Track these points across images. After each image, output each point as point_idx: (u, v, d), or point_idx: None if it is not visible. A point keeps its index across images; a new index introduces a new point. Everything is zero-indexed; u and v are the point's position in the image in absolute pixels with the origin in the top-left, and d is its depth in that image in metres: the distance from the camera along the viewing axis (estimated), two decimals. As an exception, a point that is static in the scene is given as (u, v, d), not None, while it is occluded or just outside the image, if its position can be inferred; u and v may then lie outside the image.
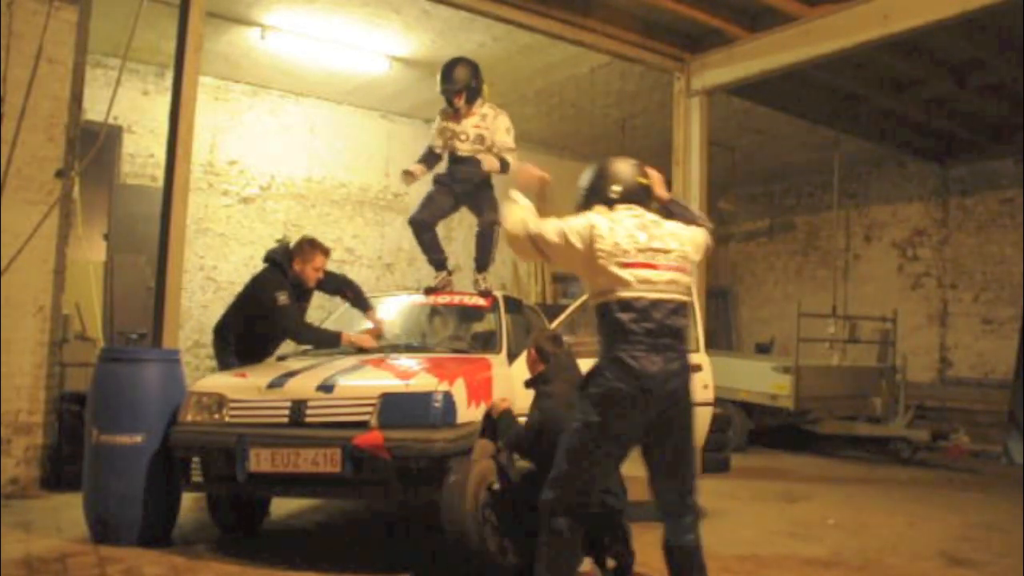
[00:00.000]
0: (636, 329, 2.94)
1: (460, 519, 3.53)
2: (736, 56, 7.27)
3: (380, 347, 4.92)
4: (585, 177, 3.24)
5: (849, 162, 10.99)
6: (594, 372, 3.01)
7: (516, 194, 3.17)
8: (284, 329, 4.94)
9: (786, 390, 8.48)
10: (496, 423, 3.97)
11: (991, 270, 10.51)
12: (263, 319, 4.88)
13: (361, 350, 4.80)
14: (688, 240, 3.16)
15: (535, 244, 3.05)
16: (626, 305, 2.96)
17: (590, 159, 10.62)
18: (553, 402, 3.76)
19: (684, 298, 3.11)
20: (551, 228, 3.04)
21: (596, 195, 3.16)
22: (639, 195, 3.17)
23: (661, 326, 2.97)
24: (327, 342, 4.93)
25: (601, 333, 3.05)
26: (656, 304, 2.98)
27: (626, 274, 2.98)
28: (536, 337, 4.16)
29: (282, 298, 4.80)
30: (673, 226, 3.16)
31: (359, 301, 5.30)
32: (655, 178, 3.31)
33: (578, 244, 3.00)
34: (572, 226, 3.04)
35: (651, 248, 3.03)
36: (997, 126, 9.63)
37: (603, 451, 3.00)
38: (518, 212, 3.10)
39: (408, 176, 5.50)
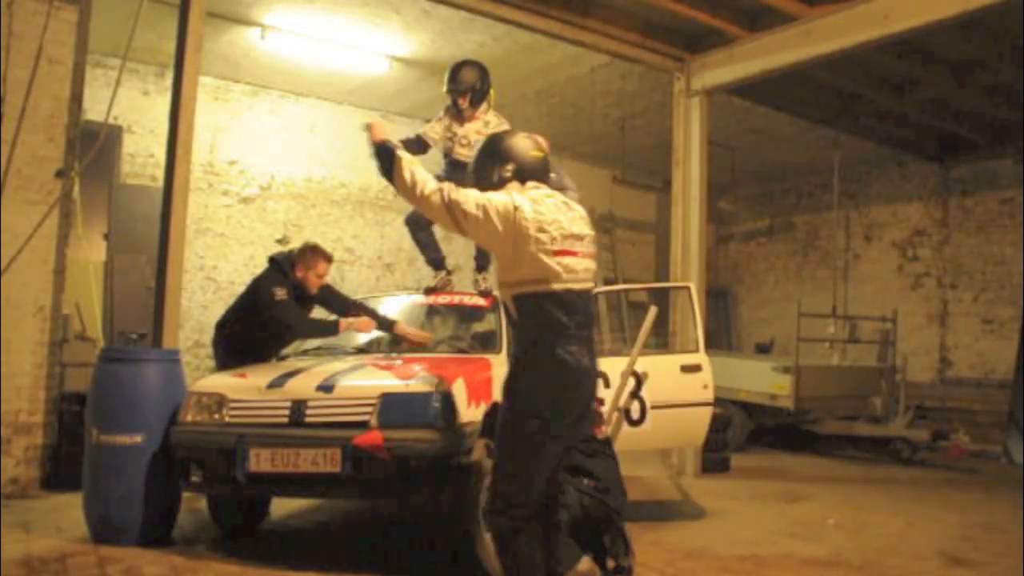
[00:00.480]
0: (569, 323, 2.78)
1: (460, 519, 3.53)
2: (736, 56, 7.27)
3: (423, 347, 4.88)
4: (476, 157, 3.03)
5: (849, 162, 10.99)
6: (530, 372, 2.81)
7: (399, 153, 2.93)
8: (282, 323, 4.92)
9: (786, 390, 8.47)
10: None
11: (991, 270, 10.51)
12: (262, 318, 4.88)
13: (360, 351, 4.80)
14: (588, 223, 3.01)
15: (451, 212, 2.78)
16: (558, 298, 2.78)
17: (590, 159, 10.62)
18: None
19: (593, 287, 2.98)
20: (471, 199, 2.78)
21: (487, 175, 2.94)
22: (539, 171, 2.95)
23: (586, 317, 2.85)
24: (324, 331, 4.93)
25: (528, 326, 2.84)
26: (580, 295, 2.84)
27: (555, 263, 2.78)
28: None
29: (280, 293, 4.80)
30: (580, 209, 2.99)
31: (379, 321, 5.07)
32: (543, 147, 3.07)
33: (499, 224, 2.75)
34: (494, 202, 2.78)
35: (572, 234, 2.85)
36: (997, 126, 9.63)
37: (550, 453, 2.83)
38: (415, 173, 2.86)
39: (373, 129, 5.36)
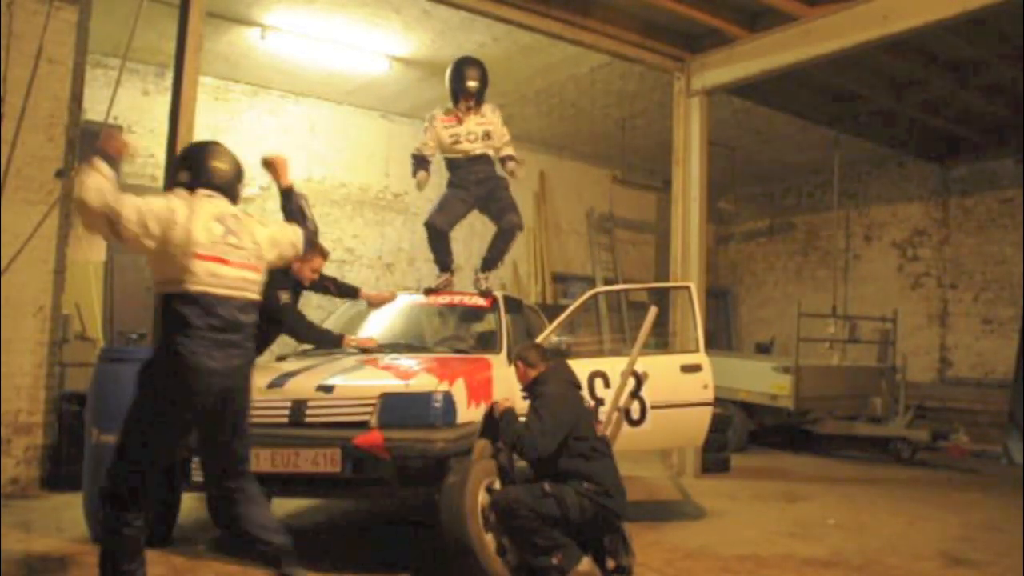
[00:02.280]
0: (199, 324, 2.92)
1: (457, 520, 3.52)
2: (736, 56, 7.27)
3: (381, 347, 4.91)
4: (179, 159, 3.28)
5: (849, 162, 10.99)
6: (153, 362, 2.99)
7: (100, 162, 2.90)
8: (287, 327, 4.93)
9: (786, 390, 8.47)
10: (498, 423, 3.97)
11: (991, 270, 10.51)
12: (261, 317, 4.88)
13: (364, 350, 4.80)
14: (265, 238, 3.19)
15: (109, 220, 2.87)
16: (190, 298, 2.93)
17: (590, 159, 10.65)
18: (547, 402, 3.80)
19: (253, 297, 3.12)
20: (130, 206, 2.89)
21: (171, 179, 3.22)
22: (220, 183, 3.12)
23: (226, 322, 2.98)
24: (329, 342, 4.92)
25: (162, 324, 3.00)
26: (223, 300, 2.98)
27: (195, 266, 2.94)
28: (519, 351, 4.18)
29: (284, 296, 4.81)
30: (253, 223, 3.18)
31: (344, 290, 5.32)
32: (279, 163, 3.46)
33: (155, 229, 2.91)
34: (152, 208, 2.93)
35: (225, 243, 3.02)
36: (997, 126, 9.63)
37: (161, 438, 3.00)
38: (99, 181, 2.85)
39: (421, 182, 5.60)
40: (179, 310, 2.92)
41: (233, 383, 3.02)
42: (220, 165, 3.14)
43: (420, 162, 5.56)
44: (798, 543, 4.83)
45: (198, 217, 2.97)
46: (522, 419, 3.92)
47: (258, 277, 3.15)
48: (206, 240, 2.96)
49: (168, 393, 2.93)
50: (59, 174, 5.60)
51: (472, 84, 5.39)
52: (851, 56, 7.12)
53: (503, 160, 5.58)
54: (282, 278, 4.90)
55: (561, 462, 3.73)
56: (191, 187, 3.07)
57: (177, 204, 2.98)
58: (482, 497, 3.65)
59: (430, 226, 5.43)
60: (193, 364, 2.89)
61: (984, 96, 8.68)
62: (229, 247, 3.02)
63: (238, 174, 3.22)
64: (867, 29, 6.32)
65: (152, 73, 8.54)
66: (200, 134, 7.13)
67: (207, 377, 2.92)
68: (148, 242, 2.92)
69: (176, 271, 2.94)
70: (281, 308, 4.79)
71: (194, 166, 3.11)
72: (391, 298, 5.38)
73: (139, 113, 8.48)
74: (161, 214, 2.92)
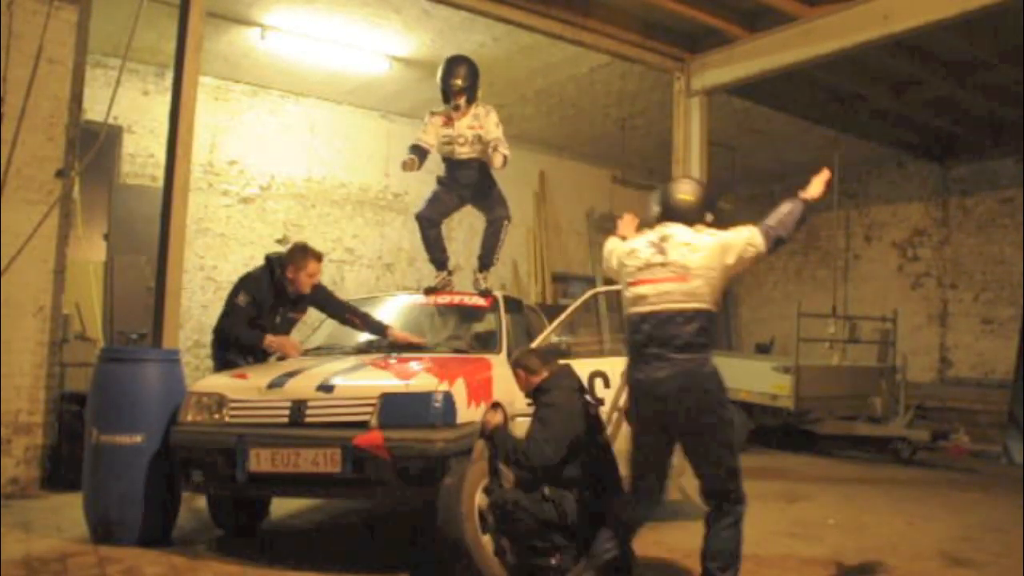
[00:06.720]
0: (633, 341, 3.37)
1: (454, 522, 3.50)
2: (736, 56, 7.26)
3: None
4: None
5: (849, 162, 10.98)
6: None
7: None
8: (221, 324, 4.96)
9: (786, 390, 8.47)
10: (492, 440, 3.83)
11: (991, 270, 10.51)
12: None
13: (360, 351, 4.80)
14: (702, 247, 3.34)
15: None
16: (630, 320, 3.38)
17: (590, 159, 10.63)
18: (553, 411, 3.70)
19: (679, 306, 3.28)
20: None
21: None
22: (678, 213, 3.49)
23: (648, 337, 3.28)
24: (248, 341, 4.86)
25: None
26: (645, 317, 3.32)
27: (629, 292, 3.41)
28: (516, 358, 4.04)
29: (241, 298, 4.86)
30: (688, 236, 3.38)
31: (370, 326, 5.09)
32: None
33: (613, 264, 3.62)
34: (609, 248, 3.69)
35: (651, 264, 3.36)
36: (997, 126, 9.63)
37: (635, 450, 3.50)
38: None
39: (407, 164, 5.39)
40: (629, 332, 3.41)
41: (664, 392, 3.26)
42: (686, 197, 3.55)
43: (416, 151, 5.50)
44: (798, 543, 4.83)
45: (636, 246, 3.47)
46: (519, 421, 3.90)
47: (685, 286, 3.31)
48: (634, 266, 3.42)
49: (633, 400, 3.47)
50: (59, 174, 5.60)
51: (457, 82, 5.29)
52: (851, 56, 7.11)
53: (493, 148, 5.30)
54: (260, 282, 4.94)
55: (565, 469, 3.66)
56: (656, 221, 3.55)
57: (614, 243, 3.70)
58: (480, 498, 3.64)
59: (420, 218, 5.48)
60: (631, 380, 3.42)
61: (984, 96, 8.68)
62: (654, 266, 3.36)
63: (697, 203, 3.54)
64: (867, 29, 6.32)
65: (152, 73, 8.54)
66: (200, 134, 7.17)
67: (637, 390, 3.38)
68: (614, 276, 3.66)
69: (624, 299, 3.48)
70: (230, 304, 4.90)
71: (662, 201, 3.56)
72: (418, 342, 4.98)
73: (139, 113, 8.49)
74: (607, 252, 3.71)
